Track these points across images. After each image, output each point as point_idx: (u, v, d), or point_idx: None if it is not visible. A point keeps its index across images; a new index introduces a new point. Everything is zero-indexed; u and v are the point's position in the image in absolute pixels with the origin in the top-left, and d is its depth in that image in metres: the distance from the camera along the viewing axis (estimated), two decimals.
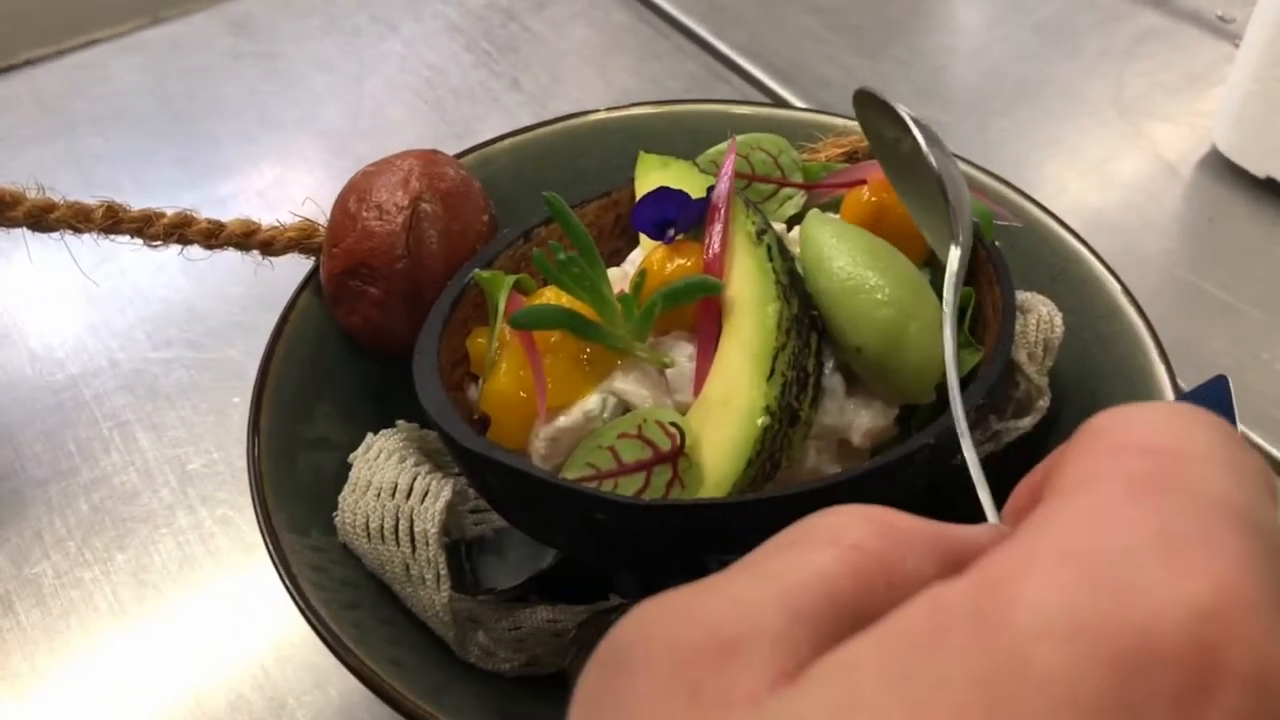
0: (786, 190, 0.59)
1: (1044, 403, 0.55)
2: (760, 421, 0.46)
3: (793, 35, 0.96)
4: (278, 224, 0.56)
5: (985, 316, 0.54)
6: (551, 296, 0.53)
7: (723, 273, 0.51)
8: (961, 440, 0.44)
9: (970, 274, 0.56)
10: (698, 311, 0.50)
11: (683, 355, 0.51)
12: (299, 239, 0.55)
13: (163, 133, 0.89)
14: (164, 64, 0.97)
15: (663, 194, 0.53)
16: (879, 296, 0.48)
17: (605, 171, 0.66)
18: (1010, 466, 0.52)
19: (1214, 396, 0.51)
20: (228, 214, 0.56)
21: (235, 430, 0.69)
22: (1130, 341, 0.56)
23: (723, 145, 0.60)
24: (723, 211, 0.52)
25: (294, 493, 0.52)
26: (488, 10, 1.01)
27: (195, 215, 0.53)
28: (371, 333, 0.55)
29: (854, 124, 0.64)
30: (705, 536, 0.46)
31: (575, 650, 0.51)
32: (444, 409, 0.47)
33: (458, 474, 0.54)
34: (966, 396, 0.47)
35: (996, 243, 0.55)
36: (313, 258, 0.57)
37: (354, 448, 0.54)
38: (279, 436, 0.53)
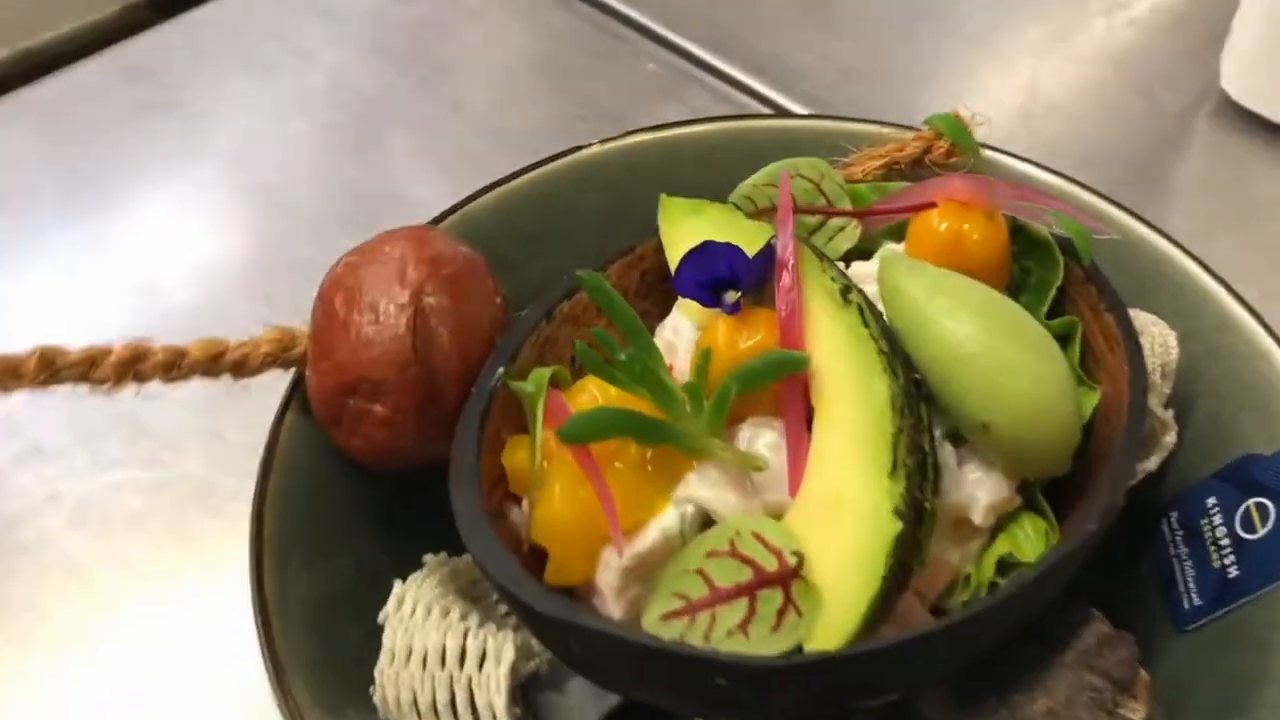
0: (836, 221, 0.50)
1: (1170, 439, 0.48)
2: (889, 526, 0.38)
3: (761, 23, 0.88)
4: (248, 339, 0.46)
5: (1096, 348, 0.47)
6: (596, 390, 0.44)
7: (803, 343, 0.42)
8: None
9: (1063, 297, 0.49)
10: (780, 393, 0.42)
11: (765, 446, 0.42)
12: (276, 353, 0.46)
13: (63, 210, 0.78)
14: (53, 126, 0.85)
15: (710, 250, 0.45)
16: (1006, 364, 0.41)
17: (609, 217, 0.57)
18: (1133, 511, 0.45)
19: None
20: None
21: (217, 568, 0.59)
22: (1251, 353, 0.49)
23: (758, 178, 0.51)
24: (792, 266, 0.43)
25: (317, 666, 0.43)
26: (415, 27, 0.90)
27: (149, 345, 0.43)
28: (379, 455, 0.46)
29: (887, 129, 0.56)
30: (854, 686, 0.38)
31: None
32: (507, 567, 0.38)
33: (509, 617, 0.46)
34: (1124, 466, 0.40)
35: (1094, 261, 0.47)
36: (292, 370, 0.48)
37: (378, 598, 0.45)
38: (288, 598, 0.44)
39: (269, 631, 0.42)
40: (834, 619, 0.38)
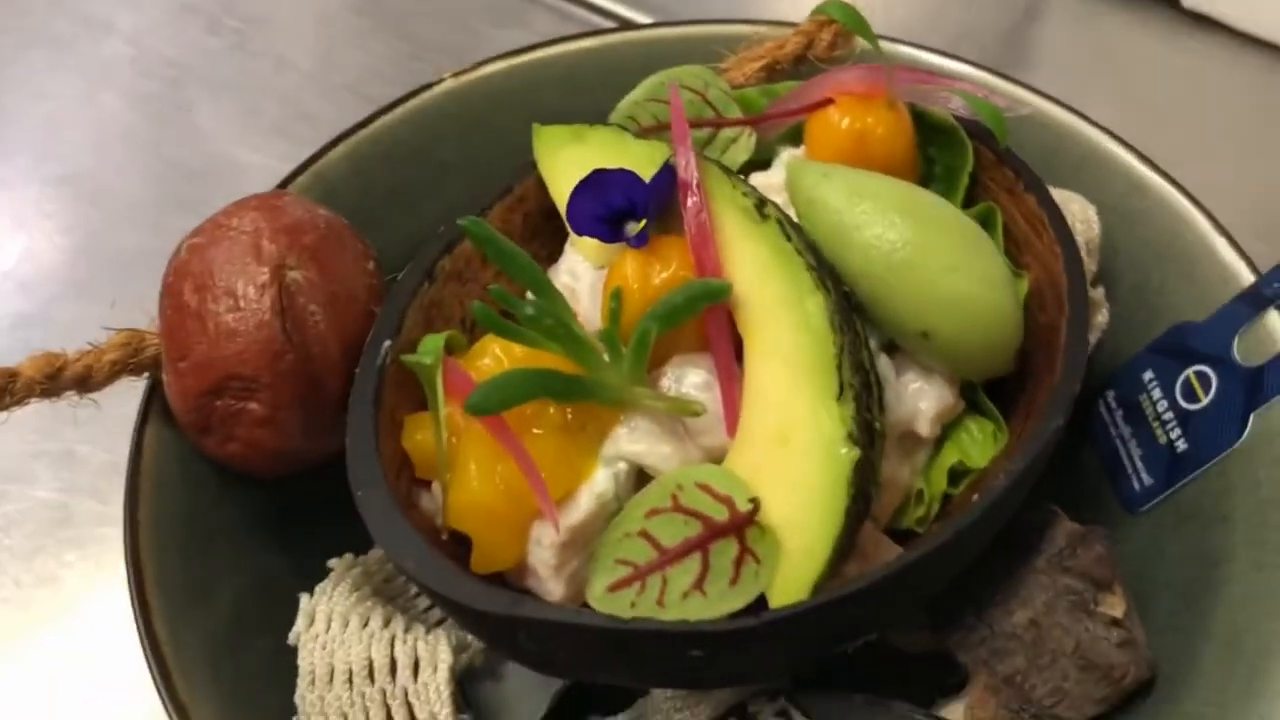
0: (728, 132, 0.46)
1: (1103, 318, 0.46)
2: (846, 455, 0.35)
3: None
4: (90, 348, 0.40)
5: (1018, 233, 0.44)
6: (498, 350, 0.39)
7: (721, 268, 0.38)
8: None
9: (974, 183, 0.46)
10: (703, 326, 0.38)
11: (693, 387, 0.39)
12: (124, 359, 0.40)
13: None
14: None
15: (602, 179, 0.40)
16: (943, 265, 0.37)
17: (473, 157, 0.52)
18: None
19: None
20: None
21: (86, 606, 0.52)
22: (1169, 216, 0.47)
23: (638, 94, 0.47)
24: (697, 185, 0.39)
25: (226, 704, 0.38)
26: None
27: None
28: (262, 460, 0.40)
29: (763, 28, 0.52)
30: (831, 634, 0.35)
31: None
32: (433, 566, 0.34)
33: (434, 612, 0.41)
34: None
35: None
36: (146, 375, 0.42)
37: (284, 616, 0.40)
38: (182, 635, 0.38)
39: (166, 675, 0.37)
40: (797, 563, 0.35)
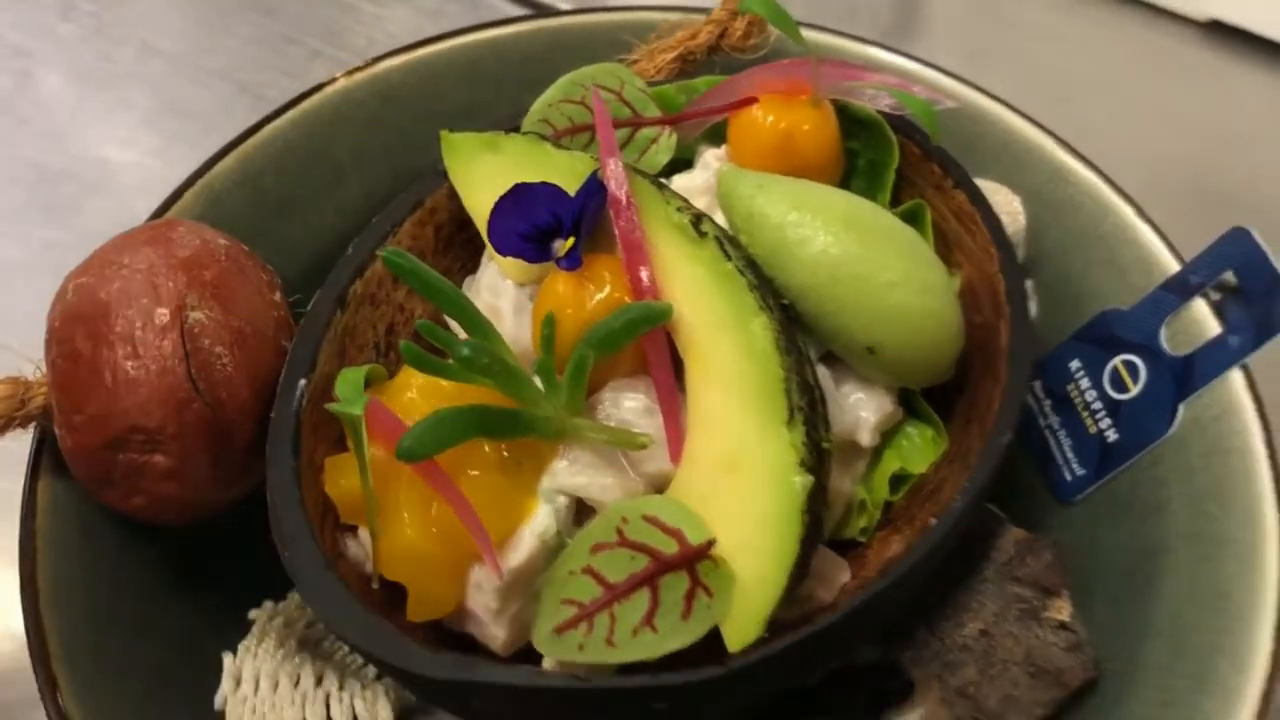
0: (646, 132, 0.44)
1: (1033, 309, 0.45)
2: (798, 482, 0.34)
3: None
4: None
5: (948, 230, 0.43)
6: (421, 385, 0.37)
7: (659, 290, 0.36)
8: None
9: (900, 179, 0.45)
10: (642, 349, 0.36)
11: (633, 412, 0.37)
12: (8, 413, 0.36)
13: None
14: None
15: (525, 195, 0.38)
16: (887, 280, 0.36)
17: (371, 161, 0.49)
18: None
19: (1236, 256, 0.42)
20: None
21: None
22: (1092, 204, 0.47)
23: (552, 95, 0.44)
24: (628, 202, 0.37)
25: None
26: None
27: None
28: (168, 511, 0.37)
29: (674, 16, 0.50)
30: (803, 666, 0.34)
31: None
32: (374, 631, 0.32)
33: (370, 669, 0.39)
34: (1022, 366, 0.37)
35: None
36: (32, 427, 0.38)
37: (208, 679, 0.37)
38: (95, 709, 0.35)
39: None
40: (752, 593, 0.34)
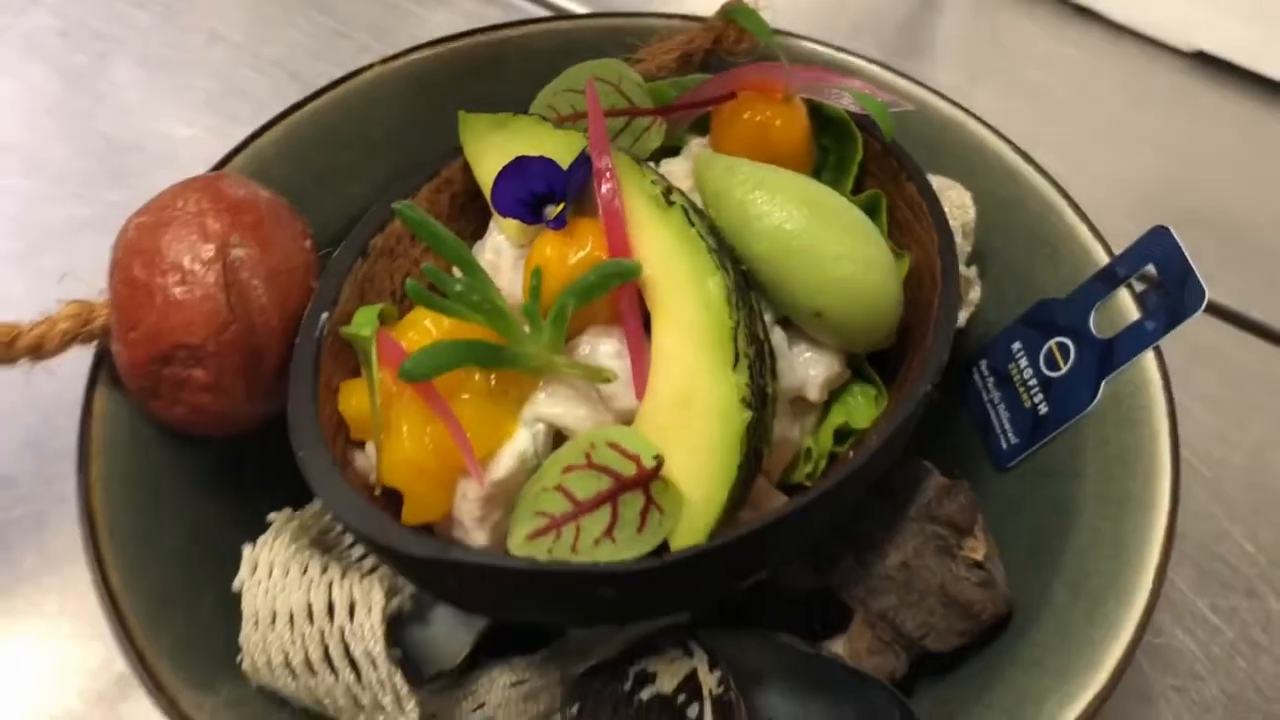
0: (640, 121, 0.50)
1: (975, 294, 0.51)
2: (740, 417, 0.39)
3: None
4: (41, 318, 0.42)
5: (901, 217, 0.49)
6: (428, 322, 0.43)
7: (632, 250, 0.42)
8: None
9: (863, 171, 0.50)
10: (615, 301, 0.42)
11: (606, 355, 0.43)
12: (75, 329, 0.43)
13: None
14: None
15: (524, 166, 0.44)
16: (834, 253, 0.42)
17: (399, 141, 0.55)
18: (947, 365, 0.47)
19: (1157, 252, 0.47)
20: None
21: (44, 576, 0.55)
22: (1038, 204, 0.52)
23: (557, 84, 0.50)
24: (610, 174, 0.43)
25: (180, 646, 0.41)
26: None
27: None
28: (205, 422, 0.43)
29: (675, 22, 0.56)
30: (726, 573, 0.39)
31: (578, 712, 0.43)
32: (369, 517, 0.38)
33: (367, 560, 0.45)
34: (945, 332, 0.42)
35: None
36: (94, 344, 0.44)
37: (228, 567, 0.43)
38: (136, 585, 0.41)
39: (123, 622, 0.40)
40: (697, 512, 0.39)
